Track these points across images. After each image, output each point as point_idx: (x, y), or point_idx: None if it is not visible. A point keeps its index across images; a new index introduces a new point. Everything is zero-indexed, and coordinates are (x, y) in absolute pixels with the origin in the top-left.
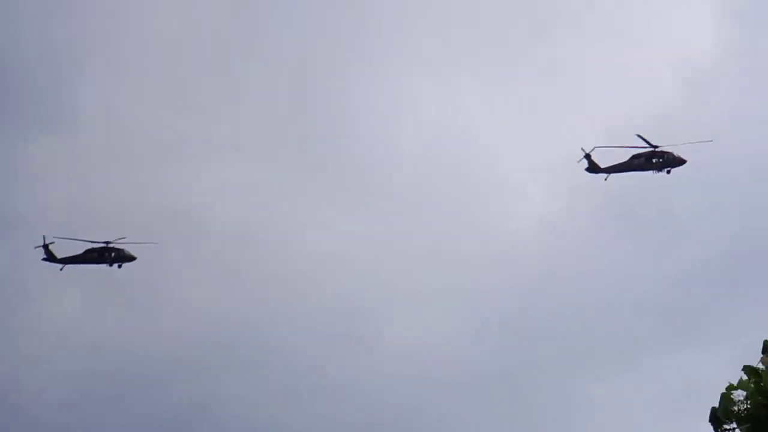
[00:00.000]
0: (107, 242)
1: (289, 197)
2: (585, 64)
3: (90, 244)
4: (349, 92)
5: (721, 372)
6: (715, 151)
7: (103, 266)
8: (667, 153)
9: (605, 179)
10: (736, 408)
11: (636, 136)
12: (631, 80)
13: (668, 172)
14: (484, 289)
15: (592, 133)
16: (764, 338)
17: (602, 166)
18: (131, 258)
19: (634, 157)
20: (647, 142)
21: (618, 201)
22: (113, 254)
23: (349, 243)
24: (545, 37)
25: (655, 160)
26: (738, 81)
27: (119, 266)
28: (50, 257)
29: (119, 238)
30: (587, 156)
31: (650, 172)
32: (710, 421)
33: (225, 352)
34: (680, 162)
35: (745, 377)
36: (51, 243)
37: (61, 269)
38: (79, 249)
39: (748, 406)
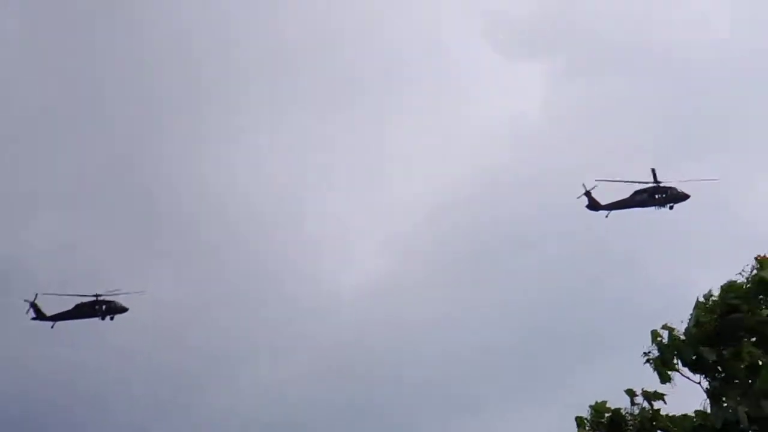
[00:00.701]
0: (97, 295)
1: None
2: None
3: (80, 298)
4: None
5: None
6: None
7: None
8: (671, 188)
9: (606, 216)
10: None
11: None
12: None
13: (671, 207)
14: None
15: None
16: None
17: (602, 203)
18: (123, 309)
19: (636, 192)
20: (654, 178)
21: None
22: (104, 306)
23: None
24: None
25: (659, 195)
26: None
27: (111, 318)
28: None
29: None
30: (587, 193)
31: (653, 208)
32: None
33: None
34: (684, 197)
35: None
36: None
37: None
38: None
39: None
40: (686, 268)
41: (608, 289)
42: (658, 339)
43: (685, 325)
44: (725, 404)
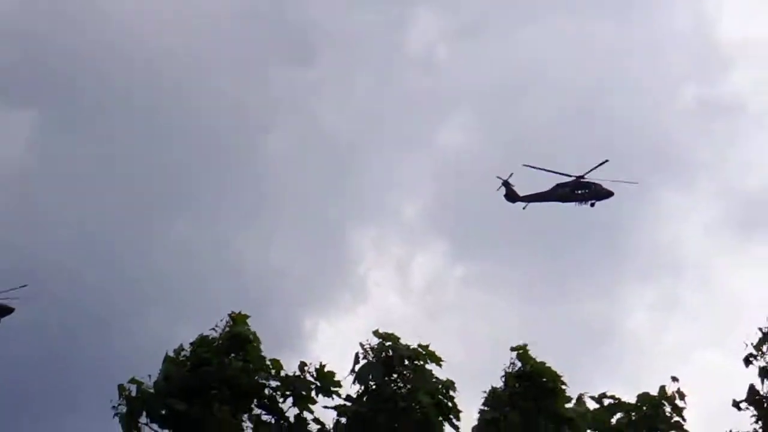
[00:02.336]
0: None
1: None
2: None
3: None
4: None
5: None
6: None
7: None
8: (595, 184)
9: (524, 208)
10: None
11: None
12: None
13: (592, 205)
14: None
15: None
16: None
17: (521, 194)
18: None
19: (558, 186)
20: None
21: None
22: None
23: None
24: None
25: (581, 191)
26: None
27: None
28: None
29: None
30: (505, 183)
31: (573, 203)
32: None
33: None
34: (608, 194)
35: None
36: None
37: None
38: None
39: None
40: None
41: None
42: (126, 393)
43: (154, 379)
44: None
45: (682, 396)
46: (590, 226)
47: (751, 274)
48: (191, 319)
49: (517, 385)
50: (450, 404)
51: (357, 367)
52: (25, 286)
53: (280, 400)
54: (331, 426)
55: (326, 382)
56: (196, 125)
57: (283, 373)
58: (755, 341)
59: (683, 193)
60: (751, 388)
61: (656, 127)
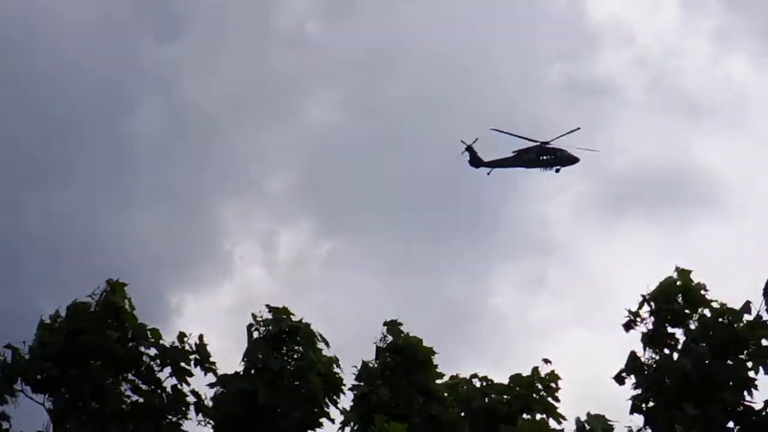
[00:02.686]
0: None
1: None
2: None
3: None
4: None
5: None
6: None
7: None
8: (560, 150)
9: (488, 174)
10: None
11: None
12: None
13: (557, 171)
14: None
15: None
16: None
17: (485, 159)
18: None
19: (522, 151)
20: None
21: None
22: None
23: None
24: None
25: (545, 156)
26: None
27: None
28: None
29: None
30: (469, 148)
31: (539, 169)
32: None
33: None
34: (573, 160)
35: None
36: None
37: None
38: None
39: None
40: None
41: None
42: (1, 359)
43: (29, 345)
44: (68, 426)
45: (555, 378)
46: (458, 204)
47: (618, 253)
48: (59, 287)
49: (389, 359)
50: (334, 382)
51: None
52: None
53: (158, 369)
54: (209, 398)
55: (205, 354)
56: (60, 96)
57: (162, 343)
58: (634, 308)
59: (552, 174)
60: (632, 355)
61: (525, 106)
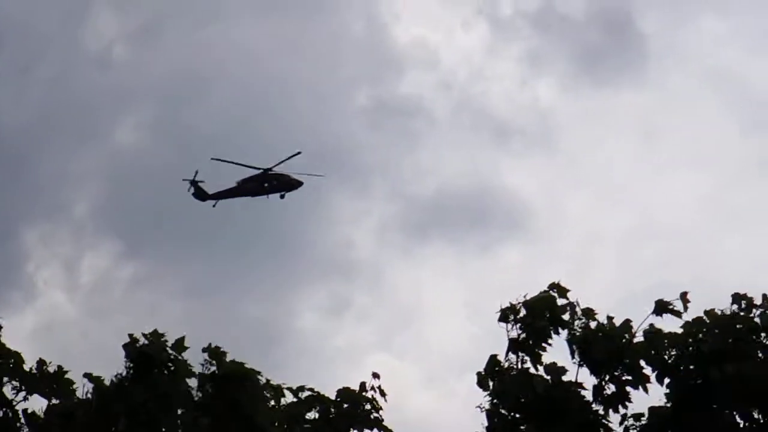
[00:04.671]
0: None
1: None
2: None
3: None
4: None
5: None
6: None
7: None
8: (282, 175)
9: (213, 206)
10: None
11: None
12: None
13: (282, 196)
14: None
15: None
16: None
17: (211, 192)
18: None
19: (245, 180)
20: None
21: None
22: None
23: None
24: None
25: (268, 183)
26: None
27: None
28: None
29: None
30: (193, 182)
31: (264, 196)
32: None
33: None
34: (297, 184)
35: None
36: None
37: None
38: None
39: None
40: None
41: None
42: None
43: None
44: None
45: (382, 393)
46: (262, 227)
47: (423, 277)
48: None
49: (209, 389)
50: None
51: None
52: None
53: None
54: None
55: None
56: None
57: None
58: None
59: (357, 196)
60: (492, 358)
61: (331, 129)
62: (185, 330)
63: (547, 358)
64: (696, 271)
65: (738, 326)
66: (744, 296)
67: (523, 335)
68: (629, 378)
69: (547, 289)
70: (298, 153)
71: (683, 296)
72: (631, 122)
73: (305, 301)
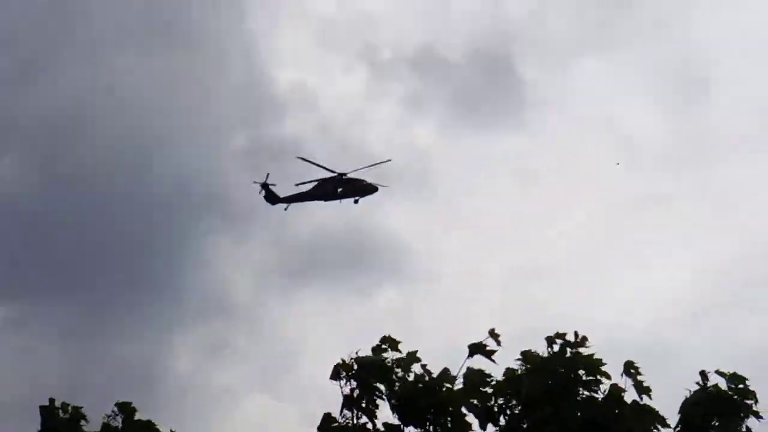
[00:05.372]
0: None
1: None
2: None
3: None
4: None
5: None
6: None
7: None
8: (357, 180)
9: (285, 209)
10: None
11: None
12: None
13: (356, 201)
14: None
15: None
16: None
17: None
18: None
19: (319, 184)
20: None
21: None
22: None
23: None
24: None
25: (342, 188)
26: None
27: None
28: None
29: None
30: (264, 185)
31: (337, 201)
32: None
33: None
34: (372, 190)
35: None
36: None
37: None
38: None
39: None
40: None
41: None
42: None
43: None
44: None
45: None
46: (140, 268)
47: (301, 319)
48: None
49: None
50: None
51: None
52: None
53: None
54: None
55: None
56: None
57: None
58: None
59: (236, 240)
60: (326, 416)
61: (210, 175)
62: (58, 372)
63: (382, 414)
64: (570, 310)
65: (556, 367)
66: (558, 335)
67: (357, 392)
68: (451, 429)
69: (379, 343)
70: (388, 160)
71: (492, 333)
72: (510, 165)
73: (183, 342)
